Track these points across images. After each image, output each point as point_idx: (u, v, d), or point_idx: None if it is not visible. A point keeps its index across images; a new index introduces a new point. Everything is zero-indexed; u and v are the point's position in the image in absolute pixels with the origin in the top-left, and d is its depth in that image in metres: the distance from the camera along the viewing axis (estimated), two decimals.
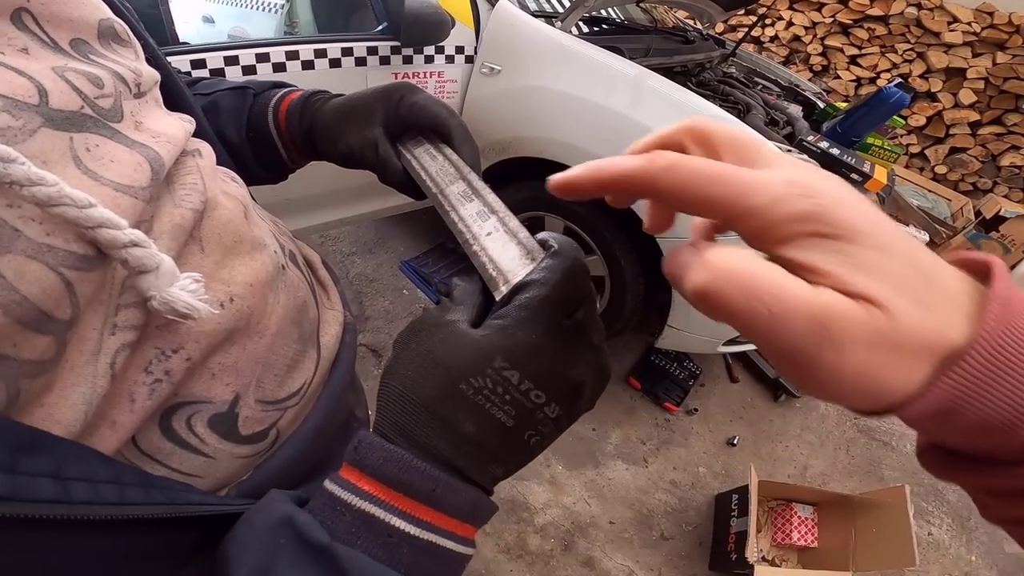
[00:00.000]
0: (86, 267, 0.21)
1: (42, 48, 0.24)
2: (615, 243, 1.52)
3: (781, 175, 0.18)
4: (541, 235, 0.28)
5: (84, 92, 0.24)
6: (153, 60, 0.34)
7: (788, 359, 0.17)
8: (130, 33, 0.31)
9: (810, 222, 0.16)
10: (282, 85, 0.48)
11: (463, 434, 0.23)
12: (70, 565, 0.20)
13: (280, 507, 0.23)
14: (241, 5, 2.05)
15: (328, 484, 0.23)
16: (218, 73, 1.19)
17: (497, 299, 0.26)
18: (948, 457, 0.19)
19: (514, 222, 0.30)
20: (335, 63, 1.34)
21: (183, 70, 1.13)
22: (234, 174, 0.38)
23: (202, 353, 0.27)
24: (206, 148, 0.33)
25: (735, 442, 1.78)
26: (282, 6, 1.92)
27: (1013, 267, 2.44)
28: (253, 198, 0.45)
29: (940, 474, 0.20)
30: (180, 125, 0.30)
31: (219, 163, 0.38)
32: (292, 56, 1.28)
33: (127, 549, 0.22)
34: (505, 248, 0.28)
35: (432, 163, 0.37)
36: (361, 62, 1.37)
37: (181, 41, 1.53)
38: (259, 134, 0.45)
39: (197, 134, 0.35)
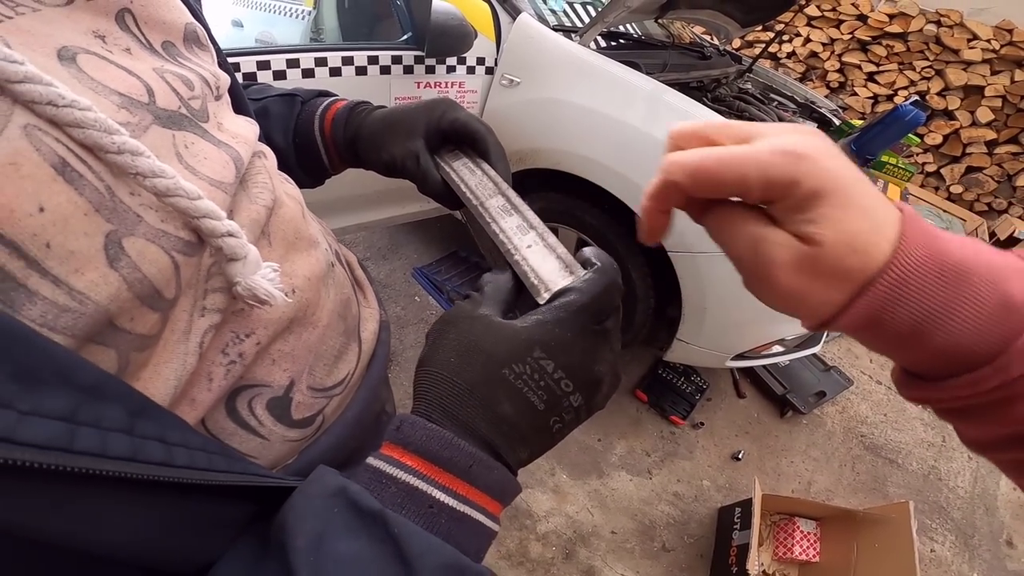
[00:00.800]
0: (189, 252, 0.23)
1: (141, 49, 0.26)
2: (627, 256, 1.53)
3: (768, 145, 0.22)
4: (586, 251, 0.30)
5: (180, 93, 0.26)
6: (222, 65, 0.36)
7: (740, 265, 0.24)
8: (207, 38, 0.33)
9: (792, 185, 0.21)
10: (327, 94, 0.51)
11: (501, 414, 0.26)
12: (161, 525, 0.22)
13: (333, 479, 0.24)
14: (270, 11, 2.10)
15: (372, 460, 0.25)
16: (250, 77, 1.23)
17: (540, 303, 0.28)
18: (907, 377, 0.25)
19: (552, 238, 0.32)
20: (361, 71, 1.37)
21: None
22: (287, 177, 0.40)
23: (269, 339, 0.29)
24: (268, 150, 0.36)
25: (740, 456, 1.79)
26: (309, 13, 1.97)
27: None
28: None
29: (905, 393, 0.25)
30: (250, 127, 0.33)
31: None
32: (320, 63, 1.31)
33: (201, 513, 0.24)
34: (545, 260, 0.31)
35: (471, 177, 0.40)
36: (386, 70, 1.40)
37: None
38: (304, 140, 0.48)
39: None
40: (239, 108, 0.38)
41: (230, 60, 1.15)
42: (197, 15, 0.33)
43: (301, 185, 0.50)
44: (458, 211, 0.43)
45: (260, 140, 0.38)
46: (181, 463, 0.21)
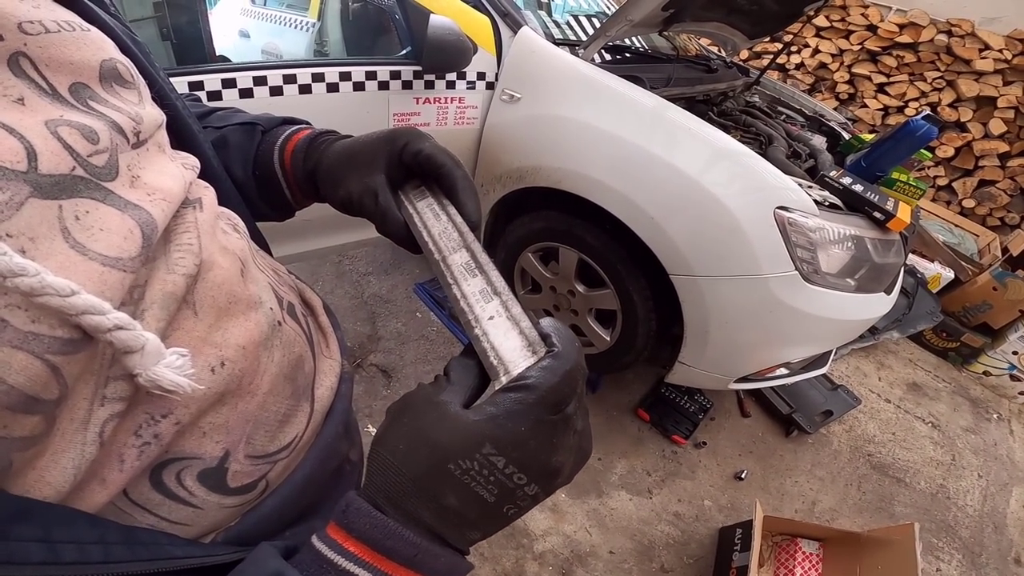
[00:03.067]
0: (72, 350, 0.21)
1: (39, 96, 0.23)
2: (628, 277, 1.50)
3: None
4: (544, 324, 0.28)
5: (77, 151, 0.23)
6: (159, 99, 0.33)
7: None
8: (134, 73, 0.30)
9: None
10: (292, 121, 0.47)
11: (446, 506, 0.25)
12: None
13: (272, 563, 0.24)
14: (275, 22, 2.12)
15: (316, 541, 0.25)
16: (247, 93, 1.22)
17: (497, 388, 0.26)
18: None
19: (517, 308, 0.30)
20: (359, 86, 1.36)
21: (214, 88, 1.17)
22: (237, 220, 0.37)
23: (192, 416, 0.27)
24: (208, 197, 0.33)
25: (743, 476, 1.76)
26: (313, 25, 1.98)
27: None
28: (261, 236, 0.45)
29: None
30: (180, 175, 0.30)
31: (226, 202, 0.37)
32: (318, 78, 1.30)
33: None
34: (507, 337, 0.28)
35: (436, 223, 0.37)
36: (384, 86, 1.39)
37: (219, 55, 1.57)
38: (265, 172, 0.45)
39: (204, 174, 0.35)
40: (183, 142, 0.36)
41: (227, 75, 1.14)
42: (127, 48, 0.31)
43: (267, 219, 0.48)
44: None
45: (213, 177, 0.36)
46: (69, 560, 0.20)
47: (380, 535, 0.24)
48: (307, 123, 0.48)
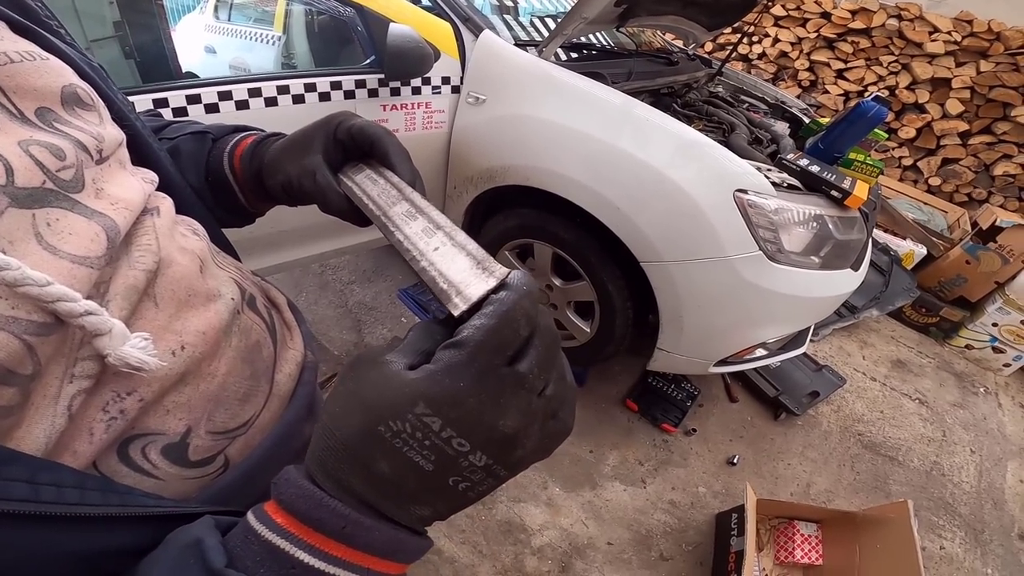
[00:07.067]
0: (46, 332, 0.24)
1: (10, 120, 0.26)
2: (602, 269, 1.52)
3: None
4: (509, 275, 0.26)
5: (46, 166, 0.26)
6: (119, 119, 0.36)
7: None
8: (94, 96, 0.33)
9: None
10: (243, 129, 0.49)
11: (378, 474, 0.23)
12: (39, 557, 0.23)
13: (197, 530, 0.24)
14: (241, 37, 2.13)
15: (249, 514, 0.25)
16: (213, 108, 1.23)
17: (455, 314, 0.25)
18: None
19: (461, 235, 0.29)
20: (325, 96, 1.37)
21: (179, 104, 1.17)
22: (197, 225, 0.39)
23: (155, 394, 0.29)
24: (165, 205, 0.35)
25: (735, 461, 1.76)
26: (279, 38, 1.99)
27: (1013, 277, 2.41)
28: (226, 241, 0.46)
29: None
30: (140, 188, 0.32)
31: (187, 211, 0.40)
32: (283, 91, 1.31)
33: (85, 545, 0.25)
34: (454, 260, 0.28)
35: (373, 187, 0.38)
36: (350, 95, 1.40)
37: (185, 72, 1.57)
38: (217, 179, 0.47)
39: (162, 186, 0.37)
40: (143, 159, 0.38)
41: (192, 92, 1.15)
42: (85, 74, 0.33)
43: (228, 225, 0.50)
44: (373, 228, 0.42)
45: (172, 188, 0.38)
46: (48, 499, 0.23)
47: (306, 506, 0.23)
48: (259, 130, 0.50)
